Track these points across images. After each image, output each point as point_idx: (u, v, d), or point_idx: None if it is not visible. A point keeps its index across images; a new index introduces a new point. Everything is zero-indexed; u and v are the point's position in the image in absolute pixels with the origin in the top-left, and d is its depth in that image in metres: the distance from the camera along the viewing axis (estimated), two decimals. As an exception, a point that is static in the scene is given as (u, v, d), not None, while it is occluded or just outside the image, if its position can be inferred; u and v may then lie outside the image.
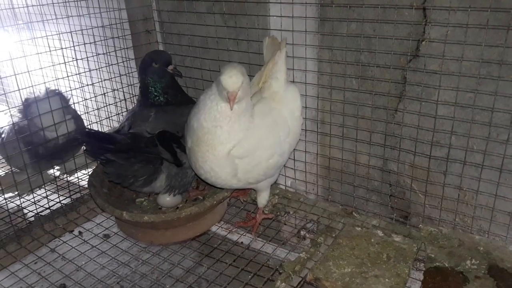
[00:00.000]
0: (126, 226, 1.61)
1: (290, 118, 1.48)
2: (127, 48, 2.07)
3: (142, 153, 1.49)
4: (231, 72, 1.28)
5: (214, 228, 1.70)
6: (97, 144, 1.44)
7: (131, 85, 2.14)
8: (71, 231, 1.75)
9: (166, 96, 1.67)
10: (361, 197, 1.71)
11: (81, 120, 2.08)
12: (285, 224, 1.78)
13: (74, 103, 2.00)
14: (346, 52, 1.60)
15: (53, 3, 1.94)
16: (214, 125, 1.33)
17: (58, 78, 1.98)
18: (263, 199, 1.61)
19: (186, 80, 2.03)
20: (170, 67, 1.67)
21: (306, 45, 1.60)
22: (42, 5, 2.04)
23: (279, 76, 1.47)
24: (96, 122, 2.10)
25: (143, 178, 1.53)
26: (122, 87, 2.12)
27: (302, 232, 1.71)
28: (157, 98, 1.67)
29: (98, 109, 2.08)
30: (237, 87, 1.27)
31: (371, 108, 1.59)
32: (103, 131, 1.63)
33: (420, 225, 1.52)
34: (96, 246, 1.61)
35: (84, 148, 1.47)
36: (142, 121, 1.58)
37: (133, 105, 2.01)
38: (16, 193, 1.80)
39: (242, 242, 1.66)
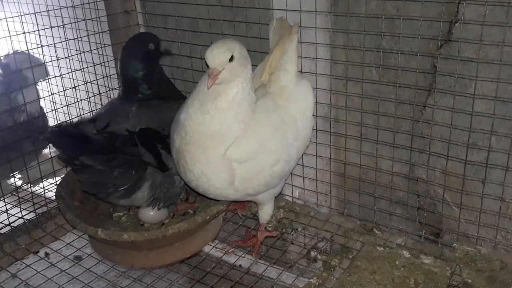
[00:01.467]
0: (102, 246, 1.61)
1: (300, 118, 1.48)
2: (102, 32, 2.07)
3: (123, 155, 1.48)
4: (215, 45, 1.30)
5: (207, 249, 1.70)
6: (70, 145, 1.42)
7: (107, 76, 2.14)
8: (36, 253, 1.75)
9: (157, 88, 1.68)
10: (383, 210, 1.70)
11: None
12: (292, 243, 1.78)
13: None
14: (364, 36, 1.60)
15: (13, -21, 1.96)
16: (202, 111, 1.34)
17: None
18: (265, 213, 1.61)
19: (173, 70, 2.03)
20: (162, 48, 1.70)
21: (316, 28, 1.60)
22: (0, -19, 2.06)
23: (288, 68, 1.48)
24: (66, 121, 2.10)
25: (124, 187, 1.52)
26: (97, 79, 2.12)
27: (313, 253, 1.70)
28: (148, 91, 1.66)
29: (67, 105, 2.08)
30: (219, 63, 1.28)
31: (395, 103, 1.59)
32: (73, 125, 1.64)
33: (454, 244, 1.51)
34: (66, 271, 1.60)
35: (52, 149, 1.46)
36: (122, 118, 1.58)
37: (110, 100, 2.02)
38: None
39: (240, 265, 1.66)
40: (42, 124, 2.06)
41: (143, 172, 1.54)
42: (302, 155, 1.66)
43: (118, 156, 1.47)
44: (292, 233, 1.73)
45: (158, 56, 1.69)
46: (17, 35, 1.82)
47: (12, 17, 1.82)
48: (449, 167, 1.54)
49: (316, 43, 1.62)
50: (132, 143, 1.51)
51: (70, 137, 1.44)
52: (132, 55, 1.64)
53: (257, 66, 1.57)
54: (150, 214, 1.62)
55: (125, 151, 1.49)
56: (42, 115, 2.06)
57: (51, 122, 2.21)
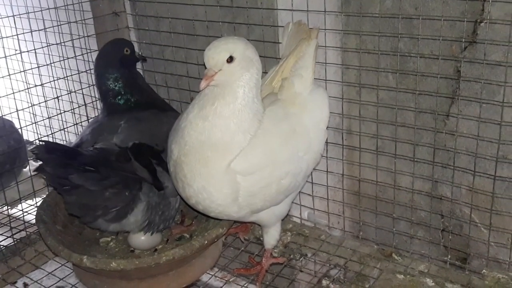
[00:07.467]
0: (88, 275, 1.61)
1: (313, 129, 1.50)
2: (88, 36, 2.09)
3: (117, 173, 1.48)
4: (214, 43, 1.33)
5: (205, 277, 1.70)
6: (60, 161, 1.41)
7: (93, 85, 2.16)
8: (13, 283, 1.75)
9: (140, 95, 1.74)
10: (403, 233, 1.70)
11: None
12: (301, 271, 1.77)
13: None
14: (379, 38, 1.61)
15: (-12, -21, 1.98)
16: (201, 116, 1.35)
17: (-4, 78, 2.01)
18: (271, 237, 1.61)
19: (166, 77, 2.05)
20: (136, 53, 1.79)
21: (325, 29, 1.61)
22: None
23: (304, 74, 1.50)
24: (48, 135, 2.11)
25: (116, 209, 1.52)
26: (82, 88, 2.14)
27: (325, 282, 1.69)
28: (132, 98, 1.73)
29: (49, 117, 2.10)
30: (214, 64, 1.30)
31: (414, 112, 1.59)
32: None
33: (484, 271, 1.51)
34: (47, 304, 1.61)
35: (42, 170, 1.45)
36: (109, 134, 1.59)
37: (97, 113, 2.03)
38: None
39: (243, 296, 1.66)
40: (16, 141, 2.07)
41: (137, 192, 1.54)
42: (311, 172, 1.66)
43: (111, 174, 1.47)
44: (301, 259, 1.73)
45: (135, 61, 1.78)
46: (-7, 40, 1.84)
47: (-13, 20, 1.85)
48: (476, 183, 1.53)
49: (325, 47, 1.63)
50: (125, 158, 1.52)
51: (60, 152, 1.44)
52: (109, 63, 1.72)
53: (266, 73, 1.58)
54: (141, 239, 1.62)
55: (119, 166, 1.50)
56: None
57: (31, 137, 2.22)
